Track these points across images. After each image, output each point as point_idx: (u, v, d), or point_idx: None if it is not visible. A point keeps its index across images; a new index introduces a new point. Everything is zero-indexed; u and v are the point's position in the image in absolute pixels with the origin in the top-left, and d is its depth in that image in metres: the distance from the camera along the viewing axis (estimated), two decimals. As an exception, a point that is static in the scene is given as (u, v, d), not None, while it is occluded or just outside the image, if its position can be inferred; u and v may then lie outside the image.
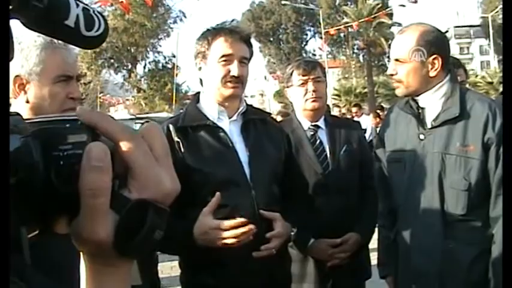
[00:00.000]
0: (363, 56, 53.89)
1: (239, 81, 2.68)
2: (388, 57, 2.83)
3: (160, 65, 53.23)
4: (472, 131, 2.57)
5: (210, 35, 2.70)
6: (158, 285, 3.44)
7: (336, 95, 41.88)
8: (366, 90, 44.66)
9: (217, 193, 2.48)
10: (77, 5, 0.71)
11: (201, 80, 2.81)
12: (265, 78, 49.40)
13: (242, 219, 2.45)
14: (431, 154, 2.65)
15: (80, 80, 2.12)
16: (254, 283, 2.58)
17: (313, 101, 3.30)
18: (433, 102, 2.71)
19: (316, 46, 63.70)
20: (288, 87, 3.45)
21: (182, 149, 2.60)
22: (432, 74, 2.68)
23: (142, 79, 52.72)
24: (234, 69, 2.65)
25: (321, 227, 3.20)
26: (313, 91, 3.29)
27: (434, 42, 2.68)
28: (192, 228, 2.47)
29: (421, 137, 2.71)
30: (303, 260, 3.27)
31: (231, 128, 2.73)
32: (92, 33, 0.74)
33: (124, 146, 0.68)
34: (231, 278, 2.56)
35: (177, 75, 36.11)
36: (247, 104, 2.86)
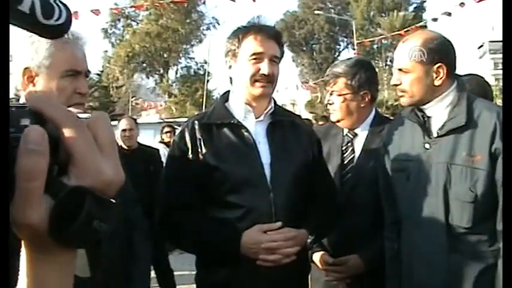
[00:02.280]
0: (396, 68, 53.50)
1: (269, 80, 2.64)
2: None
3: (192, 70, 53.75)
4: (479, 141, 2.48)
5: (241, 33, 2.67)
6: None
7: (367, 106, 41.66)
8: (397, 102, 44.34)
9: (278, 223, 2.53)
10: None
11: (230, 78, 2.78)
12: (297, 87, 49.27)
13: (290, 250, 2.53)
14: (437, 164, 2.57)
15: (88, 76, 2.16)
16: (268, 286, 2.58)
17: (331, 112, 3.24)
18: (439, 111, 2.64)
19: (349, 57, 63.56)
20: None
21: (203, 147, 2.60)
22: (437, 82, 2.61)
23: (174, 84, 53.14)
24: (264, 67, 2.61)
25: (328, 242, 3.15)
26: (329, 103, 3.22)
27: (438, 50, 2.61)
28: (240, 235, 2.50)
29: (427, 146, 2.63)
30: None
31: (257, 128, 2.70)
32: (52, 22, 0.71)
33: (67, 132, 0.67)
34: (247, 278, 2.54)
35: (208, 81, 36.32)
36: (276, 105, 2.80)
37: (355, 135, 3.22)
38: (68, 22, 0.74)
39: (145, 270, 2.72)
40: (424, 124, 2.68)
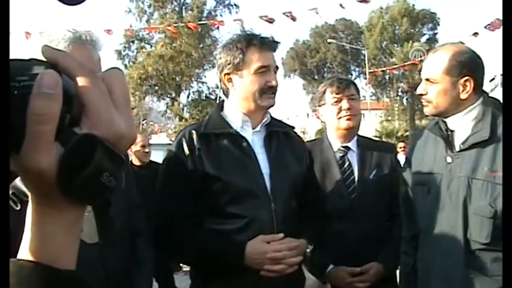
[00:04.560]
0: (407, 99, 53.52)
1: (274, 91, 2.67)
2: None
3: (203, 95, 53.59)
4: (501, 156, 2.44)
5: (242, 45, 2.65)
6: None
7: (378, 136, 41.52)
8: (407, 133, 44.32)
9: (281, 234, 2.54)
10: None
11: (226, 89, 2.75)
12: (308, 115, 49.34)
13: (294, 260, 2.54)
14: (458, 178, 2.54)
15: None
16: None
17: (348, 119, 3.25)
18: (462, 125, 2.63)
19: (360, 86, 63.70)
20: (320, 105, 3.40)
21: (203, 156, 2.57)
22: (463, 96, 2.60)
23: (185, 108, 53.11)
24: (272, 80, 2.64)
25: (342, 252, 3.12)
26: (348, 109, 3.24)
27: (467, 64, 2.60)
28: (244, 246, 2.49)
29: (449, 160, 2.62)
30: (321, 286, 3.18)
31: (254, 138, 2.69)
32: None
33: (81, 81, 0.67)
34: None
35: (219, 106, 36.34)
36: (271, 116, 2.81)
37: (349, 149, 3.32)
38: None
39: (147, 275, 2.70)
40: (447, 138, 2.67)
